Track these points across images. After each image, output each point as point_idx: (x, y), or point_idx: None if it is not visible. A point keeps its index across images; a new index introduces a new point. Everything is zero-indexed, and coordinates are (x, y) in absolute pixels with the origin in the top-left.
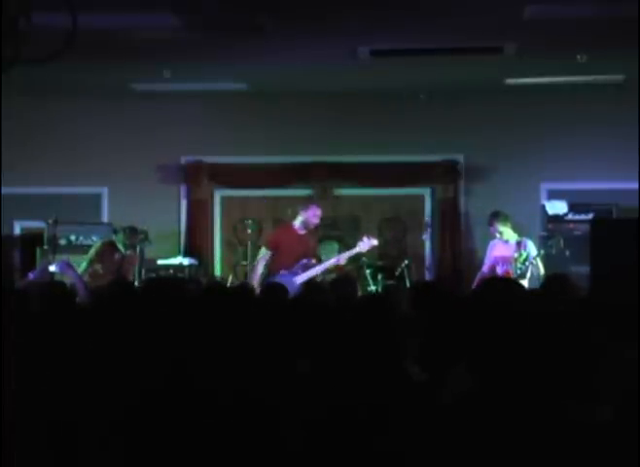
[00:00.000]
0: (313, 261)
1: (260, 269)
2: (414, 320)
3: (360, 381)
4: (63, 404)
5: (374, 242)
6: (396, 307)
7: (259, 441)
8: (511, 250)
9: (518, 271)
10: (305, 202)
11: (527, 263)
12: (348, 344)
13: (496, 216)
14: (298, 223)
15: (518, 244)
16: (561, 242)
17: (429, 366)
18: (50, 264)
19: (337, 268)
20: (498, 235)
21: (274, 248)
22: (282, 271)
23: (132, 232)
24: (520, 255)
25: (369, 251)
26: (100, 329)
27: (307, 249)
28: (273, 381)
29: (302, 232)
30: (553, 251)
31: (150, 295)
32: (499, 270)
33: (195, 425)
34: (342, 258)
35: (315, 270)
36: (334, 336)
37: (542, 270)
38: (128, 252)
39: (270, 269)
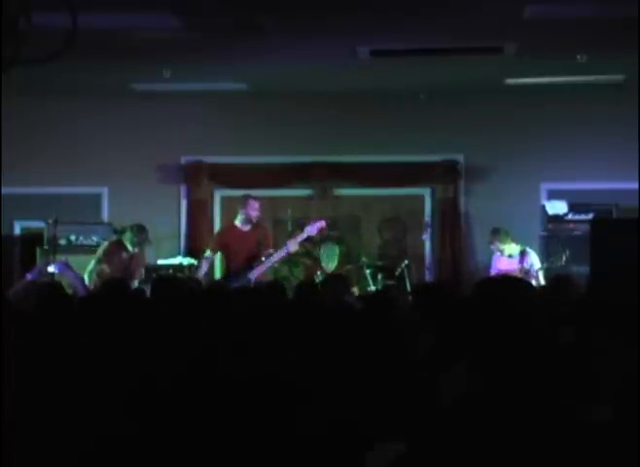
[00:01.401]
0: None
1: (203, 269)
2: (418, 322)
3: (365, 382)
4: (62, 403)
5: (322, 223)
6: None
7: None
8: (514, 263)
9: None
10: (243, 200)
11: (529, 275)
12: (353, 345)
13: (496, 233)
14: (239, 221)
15: (522, 256)
16: (564, 257)
17: (433, 367)
18: (48, 264)
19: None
20: (499, 253)
21: (220, 249)
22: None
23: (140, 229)
24: (523, 267)
25: (369, 251)
26: (95, 329)
27: (253, 245)
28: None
29: (246, 228)
30: (556, 266)
31: (160, 294)
32: None
33: (197, 424)
34: (291, 245)
35: (266, 263)
36: (337, 336)
37: (542, 283)
38: (136, 250)
39: (225, 270)
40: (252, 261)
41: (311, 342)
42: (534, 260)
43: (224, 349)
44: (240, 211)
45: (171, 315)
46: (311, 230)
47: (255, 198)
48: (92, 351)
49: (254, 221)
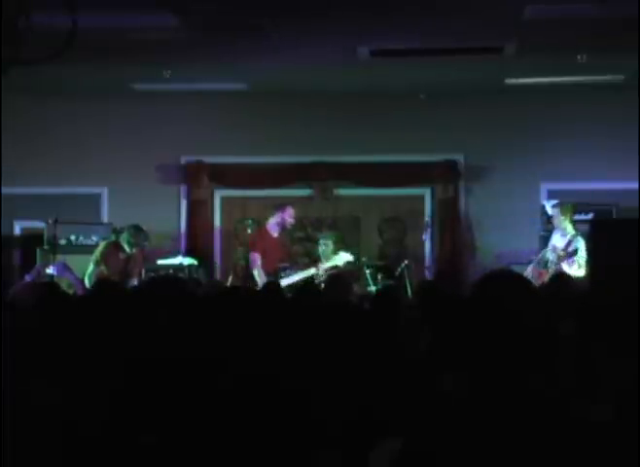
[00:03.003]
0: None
1: (263, 275)
2: (419, 320)
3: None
4: (60, 403)
5: (350, 257)
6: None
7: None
8: (562, 243)
9: (553, 265)
10: (280, 203)
11: (569, 259)
12: (357, 343)
13: (559, 203)
14: (272, 224)
15: (570, 240)
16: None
17: (431, 365)
18: (47, 266)
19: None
20: (556, 225)
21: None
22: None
23: (137, 230)
24: (566, 250)
25: (369, 251)
26: (88, 328)
27: (283, 252)
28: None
29: (277, 234)
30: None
31: (155, 294)
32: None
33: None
34: (322, 269)
35: (295, 278)
36: (341, 334)
37: (572, 269)
38: (134, 251)
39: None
40: (278, 269)
41: (314, 342)
42: (581, 248)
43: (226, 350)
44: (277, 214)
45: (168, 315)
46: (339, 260)
47: (293, 206)
48: (88, 351)
49: (287, 228)
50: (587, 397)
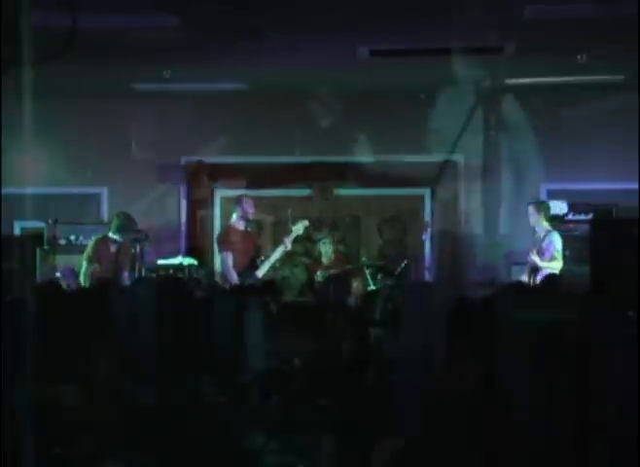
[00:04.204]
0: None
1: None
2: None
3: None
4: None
5: (306, 223)
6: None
7: None
8: (537, 242)
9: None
10: (238, 199)
11: (544, 253)
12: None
13: (534, 202)
14: (235, 220)
15: (545, 236)
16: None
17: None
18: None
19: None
20: (530, 219)
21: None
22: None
23: (126, 216)
24: (541, 246)
25: (369, 251)
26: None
27: (254, 246)
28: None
29: (242, 227)
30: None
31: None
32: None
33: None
34: (288, 242)
35: (268, 261)
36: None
37: (546, 262)
38: (124, 240)
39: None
40: (255, 260)
41: (311, 341)
42: (555, 240)
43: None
44: (236, 208)
45: (166, 314)
46: (297, 229)
47: (248, 196)
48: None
49: (250, 219)
50: (588, 397)
